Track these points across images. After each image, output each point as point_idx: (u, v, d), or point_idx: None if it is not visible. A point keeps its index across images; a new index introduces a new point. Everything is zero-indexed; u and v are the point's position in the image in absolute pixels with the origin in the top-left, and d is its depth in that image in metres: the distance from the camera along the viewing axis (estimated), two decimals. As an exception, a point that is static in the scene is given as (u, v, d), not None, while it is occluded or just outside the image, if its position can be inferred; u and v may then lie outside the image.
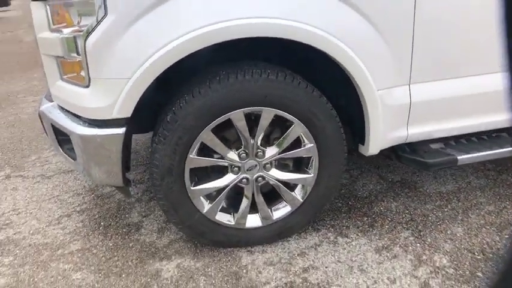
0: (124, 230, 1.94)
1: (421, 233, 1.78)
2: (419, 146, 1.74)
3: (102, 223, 2.00)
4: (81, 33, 1.34)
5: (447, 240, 1.72)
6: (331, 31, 1.36)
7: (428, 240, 1.73)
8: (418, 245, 1.71)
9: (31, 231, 1.97)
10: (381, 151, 1.67)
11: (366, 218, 1.91)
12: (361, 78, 1.46)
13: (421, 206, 1.98)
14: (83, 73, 1.41)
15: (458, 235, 1.75)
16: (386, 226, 1.85)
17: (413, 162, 1.70)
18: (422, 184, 2.18)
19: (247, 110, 1.46)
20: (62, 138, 1.63)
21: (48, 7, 1.48)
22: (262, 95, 1.44)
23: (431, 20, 1.46)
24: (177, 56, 1.30)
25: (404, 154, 1.73)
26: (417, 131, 1.66)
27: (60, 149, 1.70)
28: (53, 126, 1.63)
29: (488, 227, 1.79)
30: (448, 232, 1.78)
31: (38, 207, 2.17)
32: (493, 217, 1.86)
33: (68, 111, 1.56)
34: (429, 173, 2.27)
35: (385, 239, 1.76)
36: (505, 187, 2.10)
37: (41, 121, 1.75)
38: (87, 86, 1.41)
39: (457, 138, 1.80)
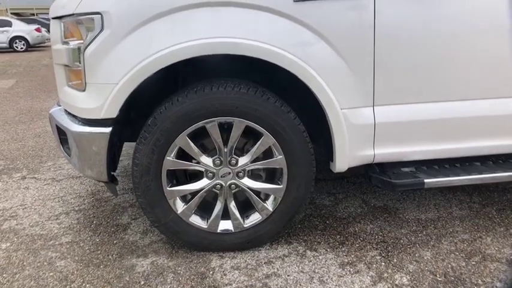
0: (112, 229, 2.10)
1: (389, 254, 1.82)
2: (390, 168, 1.82)
3: (94, 222, 2.17)
4: (82, 44, 1.59)
5: (413, 262, 1.75)
6: (291, 50, 1.53)
7: (394, 260, 1.77)
8: (383, 263, 1.75)
9: (31, 224, 2.16)
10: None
11: (338, 236, 1.97)
12: (323, 97, 1.60)
13: (396, 229, 2.02)
14: (82, 80, 1.64)
15: (425, 258, 1.78)
16: (357, 245, 1.90)
17: (381, 182, 1.78)
18: (403, 211, 2.22)
19: (220, 119, 1.62)
20: (63, 137, 1.85)
21: (62, 24, 1.74)
22: (233, 106, 1.60)
23: (391, 45, 1.59)
24: (153, 68, 1.51)
25: (373, 174, 1.81)
26: (384, 152, 1.75)
27: (61, 147, 1.92)
28: (57, 126, 1.86)
29: (457, 253, 1.81)
30: (416, 255, 1.81)
31: (42, 204, 2.38)
32: (465, 245, 1.87)
33: (69, 114, 1.79)
34: (399, 193, 2.30)
35: (352, 256, 1.81)
36: (486, 219, 2.10)
37: (50, 123, 1.99)
38: (84, 90, 1.63)
39: (429, 164, 1.87)
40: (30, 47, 16.37)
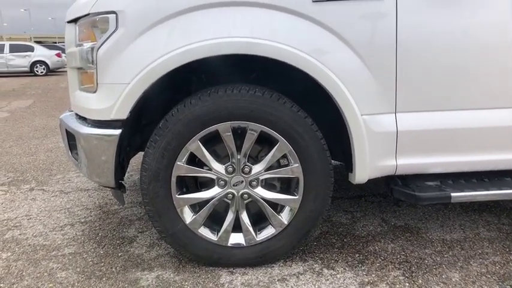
0: (118, 241, 2.00)
1: (413, 274, 1.67)
2: (413, 182, 1.71)
3: (100, 234, 2.08)
4: (96, 44, 1.55)
5: (440, 283, 1.60)
6: (310, 52, 1.46)
7: (419, 281, 1.62)
8: (407, 284, 1.60)
9: (34, 234, 2.08)
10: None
11: (357, 255, 1.84)
12: (342, 100, 1.52)
13: (420, 249, 1.88)
14: (94, 81, 1.60)
15: (453, 280, 1.63)
16: (377, 264, 1.76)
17: (403, 195, 1.66)
18: (426, 231, 2.07)
19: (233, 123, 1.55)
20: (72, 143, 1.80)
21: (77, 27, 1.72)
22: (248, 109, 1.53)
23: (414, 51, 1.51)
24: (166, 68, 1.46)
25: (395, 187, 1.70)
26: (407, 162, 1.64)
27: (69, 152, 1.86)
28: (66, 131, 1.81)
29: (489, 276, 1.65)
30: (443, 276, 1.66)
31: (48, 215, 2.31)
32: (497, 267, 1.71)
33: (80, 117, 1.74)
34: (425, 208, 2.16)
35: (373, 275, 1.67)
36: (518, 241, 1.94)
37: (60, 129, 1.95)
38: (95, 91, 1.59)
39: (455, 178, 1.75)
40: (50, 71, 16.86)
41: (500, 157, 1.67)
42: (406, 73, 1.54)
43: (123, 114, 1.53)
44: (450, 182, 1.74)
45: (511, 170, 1.72)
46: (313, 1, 1.46)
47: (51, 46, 22.76)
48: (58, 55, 17.18)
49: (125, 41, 1.50)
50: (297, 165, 1.61)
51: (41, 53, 16.81)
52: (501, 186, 1.68)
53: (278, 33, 1.47)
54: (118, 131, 1.55)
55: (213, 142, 1.63)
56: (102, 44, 1.52)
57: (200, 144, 1.57)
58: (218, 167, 1.62)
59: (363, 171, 1.62)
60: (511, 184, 1.71)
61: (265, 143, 1.65)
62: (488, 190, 1.65)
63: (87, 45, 1.63)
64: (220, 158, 1.65)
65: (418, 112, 1.60)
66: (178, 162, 1.57)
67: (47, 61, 16.73)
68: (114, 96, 1.51)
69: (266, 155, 1.63)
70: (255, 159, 1.68)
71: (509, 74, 1.59)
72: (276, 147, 1.59)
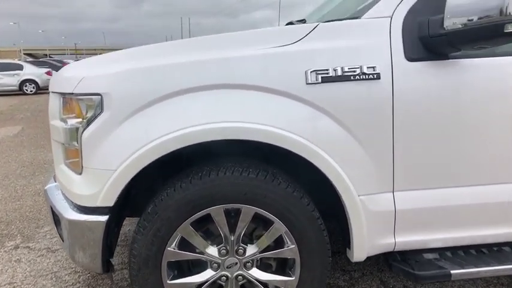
0: (107, 315, 1.91)
1: None
2: (411, 255, 1.66)
3: (88, 305, 1.99)
4: (80, 125, 1.49)
5: None
6: (306, 136, 1.41)
7: None
8: None
9: (19, 308, 1.98)
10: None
11: (356, 329, 1.77)
12: (340, 183, 1.47)
13: (420, 320, 1.82)
14: (79, 162, 1.53)
15: None
16: None
17: (403, 273, 1.60)
18: (425, 294, 2.02)
19: (226, 206, 1.49)
20: (57, 219, 1.72)
21: (61, 99, 1.66)
22: (241, 192, 1.47)
23: (411, 130, 1.47)
24: (154, 155, 1.40)
25: (394, 262, 1.64)
26: (406, 240, 1.59)
27: (55, 228, 1.78)
28: (51, 207, 1.73)
29: None
30: None
31: (33, 282, 2.21)
32: None
33: (65, 195, 1.66)
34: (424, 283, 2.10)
35: None
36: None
37: (46, 200, 1.87)
38: (80, 173, 1.52)
39: (454, 249, 1.70)
40: (39, 89, 16.67)
41: (499, 231, 1.63)
42: (403, 153, 1.50)
43: (110, 202, 1.46)
44: (449, 255, 1.69)
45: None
46: (307, 83, 1.42)
47: (40, 62, 22.62)
48: (48, 73, 17.02)
49: (110, 124, 1.43)
50: (293, 246, 1.55)
51: (30, 71, 16.64)
52: (501, 259, 1.64)
53: (271, 117, 1.42)
54: (105, 218, 1.48)
55: (205, 222, 1.56)
56: (87, 127, 1.46)
57: (191, 228, 1.50)
58: (211, 250, 1.56)
59: (361, 250, 1.57)
60: (510, 256, 1.67)
61: (259, 220, 1.58)
62: (489, 266, 1.60)
63: (71, 122, 1.57)
64: (213, 239, 1.59)
65: (417, 190, 1.55)
66: (168, 248, 1.50)
67: (37, 79, 16.56)
68: (100, 183, 1.45)
69: (261, 234, 1.57)
70: (249, 237, 1.62)
71: (505, 149, 1.55)
72: (271, 228, 1.53)
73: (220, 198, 1.47)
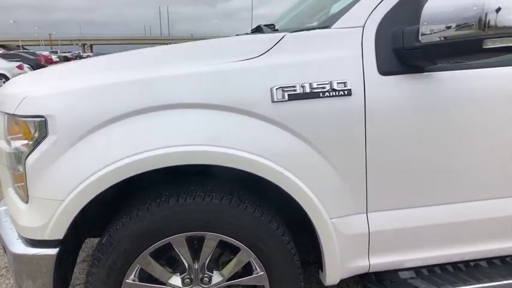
0: None
1: None
2: (387, 276, 1.59)
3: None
4: (25, 150, 1.34)
5: None
6: (273, 158, 1.31)
7: None
8: None
9: None
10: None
11: None
12: (310, 208, 1.37)
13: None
14: (25, 190, 1.38)
15: None
16: None
17: (378, 296, 1.53)
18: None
19: (189, 234, 1.38)
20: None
21: (6, 118, 1.50)
22: (204, 219, 1.36)
23: (385, 148, 1.39)
24: (105, 183, 1.26)
25: (369, 284, 1.57)
26: (381, 261, 1.51)
27: (5, 253, 1.63)
28: (-1, 233, 1.58)
29: None
30: None
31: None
32: None
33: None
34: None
35: None
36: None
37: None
38: (26, 202, 1.37)
39: (430, 266, 1.64)
40: (10, 84, 15.99)
41: (476, 249, 1.58)
42: (377, 172, 1.41)
43: (59, 234, 1.32)
44: (425, 273, 1.63)
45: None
46: (273, 101, 1.31)
47: (12, 55, 21.77)
48: (20, 67, 16.38)
49: (56, 150, 1.29)
50: (262, 272, 1.45)
51: (0, 66, 15.97)
52: (478, 276, 1.59)
53: (235, 138, 1.30)
54: (55, 251, 1.35)
55: (166, 250, 1.45)
56: (30, 152, 1.31)
57: (151, 258, 1.39)
58: (174, 280, 1.45)
59: (334, 273, 1.49)
60: (487, 272, 1.62)
61: (227, 246, 1.48)
62: (465, 284, 1.55)
63: (16, 145, 1.41)
64: (176, 267, 1.48)
65: (392, 210, 1.47)
66: (127, 280, 1.38)
67: (7, 74, 15.89)
68: (47, 215, 1.31)
69: (228, 260, 1.47)
70: (215, 263, 1.51)
71: (483, 166, 1.49)
72: (237, 256, 1.43)
73: (181, 227, 1.36)
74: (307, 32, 1.41)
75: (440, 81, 1.40)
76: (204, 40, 1.54)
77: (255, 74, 1.32)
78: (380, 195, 1.44)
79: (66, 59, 52.67)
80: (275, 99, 1.30)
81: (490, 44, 1.15)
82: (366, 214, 1.46)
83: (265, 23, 2.11)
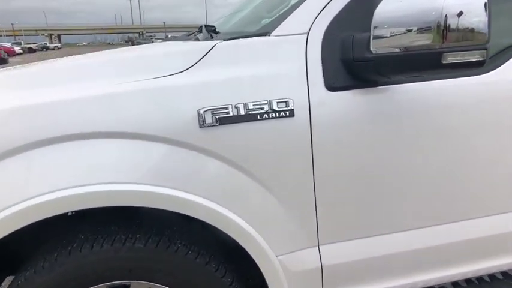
0: None
1: None
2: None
3: None
4: None
5: None
6: (203, 194, 1.10)
7: None
8: None
9: None
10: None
11: None
12: (252, 247, 1.18)
13: None
14: None
15: None
16: None
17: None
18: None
19: (110, 284, 1.16)
20: None
21: None
22: (125, 268, 1.14)
23: (336, 175, 1.20)
24: (12, 226, 1.03)
25: (325, 320, 1.40)
26: (337, 297, 1.35)
27: None
28: None
29: None
30: None
31: None
32: None
33: None
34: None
35: None
36: None
37: None
38: None
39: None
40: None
41: (439, 274, 1.43)
42: (327, 202, 1.22)
43: None
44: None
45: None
46: (201, 126, 1.09)
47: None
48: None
49: None
50: (202, 321, 1.26)
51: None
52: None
53: (156, 173, 1.08)
54: None
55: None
56: None
57: (65, 314, 1.16)
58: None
59: (284, 314, 1.31)
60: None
61: None
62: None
63: None
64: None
65: (347, 241, 1.30)
66: None
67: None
68: None
69: (162, 306, 1.26)
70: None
71: (445, 189, 1.33)
72: (171, 304, 1.22)
73: (97, 278, 1.14)
74: (242, 40, 1.19)
75: (399, 95, 1.21)
76: (124, 48, 1.30)
77: (179, 93, 1.10)
78: (332, 225, 1.26)
79: (31, 51, 50.54)
80: (203, 124, 1.08)
81: (450, 59, 0.96)
82: (317, 247, 1.28)
83: (211, 22, 1.87)
